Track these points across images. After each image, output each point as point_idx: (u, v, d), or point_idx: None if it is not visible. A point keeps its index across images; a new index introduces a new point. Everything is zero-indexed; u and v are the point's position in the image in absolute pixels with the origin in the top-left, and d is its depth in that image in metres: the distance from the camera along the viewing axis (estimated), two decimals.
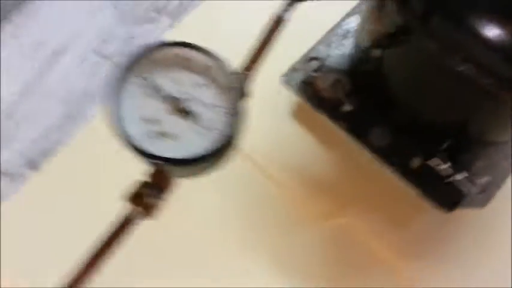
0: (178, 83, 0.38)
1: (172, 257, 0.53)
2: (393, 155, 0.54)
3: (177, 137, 0.38)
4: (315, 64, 0.58)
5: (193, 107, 0.38)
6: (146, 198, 0.36)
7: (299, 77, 0.58)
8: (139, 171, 0.48)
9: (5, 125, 0.58)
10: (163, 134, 0.38)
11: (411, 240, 0.56)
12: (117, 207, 0.51)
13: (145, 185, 0.37)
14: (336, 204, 0.56)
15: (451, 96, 0.45)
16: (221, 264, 0.54)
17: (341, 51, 0.59)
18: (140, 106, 0.38)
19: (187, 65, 0.39)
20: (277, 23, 0.42)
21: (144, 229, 0.40)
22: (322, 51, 0.59)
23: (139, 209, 0.36)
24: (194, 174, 0.39)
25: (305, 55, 0.59)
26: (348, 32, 0.60)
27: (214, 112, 0.38)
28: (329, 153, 0.58)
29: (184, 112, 0.38)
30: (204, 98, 0.38)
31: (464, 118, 0.49)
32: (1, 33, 0.61)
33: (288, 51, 0.54)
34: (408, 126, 0.54)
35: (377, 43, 0.44)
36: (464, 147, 0.53)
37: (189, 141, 0.37)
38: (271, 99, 0.59)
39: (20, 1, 0.62)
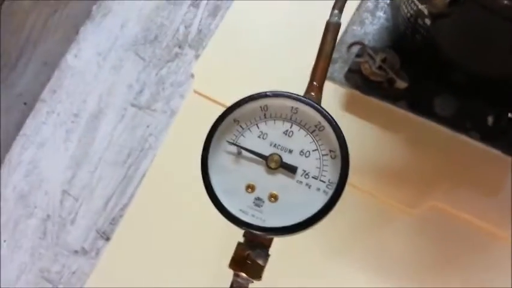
0: (265, 137, 0.34)
1: None
2: (465, 120, 0.50)
3: (280, 199, 0.33)
4: (355, 49, 0.53)
5: (288, 159, 0.33)
6: (251, 260, 0.32)
7: (342, 67, 0.54)
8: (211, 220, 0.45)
9: (66, 203, 0.58)
10: (264, 199, 0.33)
11: (505, 204, 0.50)
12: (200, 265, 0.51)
13: (247, 246, 0.32)
14: (418, 189, 0.51)
15: None
16: (314, 275, 0.52)
17: (377, 25, 0.55)
18: (233, 175, 0.34)
19: (268, 115, 0.35)
20: (334, 30, 0.37)
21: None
22: (357, 32, 0.55)
23: (245, 275, 0.32)
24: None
25: (341, 42, 0.55)
26: (377, 1, 0.55)
27: (312, 159, 0.33)
28: (395, 138, 0.53)
29: (280, 168, 0.33)
30: (297, 145, 0.34)
31: None
32: (38, 115, 0.61)
33: None
34: (471, 86, 0.49)
35: (435, 13, 0.40)
36: None
37: (294, 200, 0.33)
38: None
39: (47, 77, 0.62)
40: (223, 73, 0.57)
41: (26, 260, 0.57)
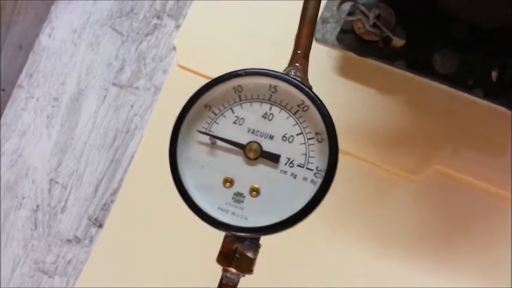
0: (242, 122, 0.30)
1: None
2: (468, 77, 0.47)
3: (262, 192, 0.30)
4: (347, 6, 0.50)
5: (269, 146, 0.30)
6: (240, 254, 0.29)
7: (334, 27, 0.50)
8: None
9: (54, 191, 0.56)
10: (244, 194, 0.30)
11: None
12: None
13: (235, 238, 0.29)
14: (420, 154, 0.48)
15: None
16: (317, 248, 0.50)
17: None
18: (208, 169, 0.30)
19: (243, 97, 0.31)
20: None
21: None
22: None
23: (234, 269, 0.29)
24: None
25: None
26: None
27: (296, 145, 0.30)
28: (393, 101, 0.50)
29: (260, 158, 0.30)
30: (279, 130, 0.30)
31: None
32: (17, 101, 0.58)
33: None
34: (473, 38, 0.46)
35: None
36: None
37: (278, 193, 0.29)
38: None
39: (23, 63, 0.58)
40: (208, 43, 0.53)
41: (19, 253, 0.56)
